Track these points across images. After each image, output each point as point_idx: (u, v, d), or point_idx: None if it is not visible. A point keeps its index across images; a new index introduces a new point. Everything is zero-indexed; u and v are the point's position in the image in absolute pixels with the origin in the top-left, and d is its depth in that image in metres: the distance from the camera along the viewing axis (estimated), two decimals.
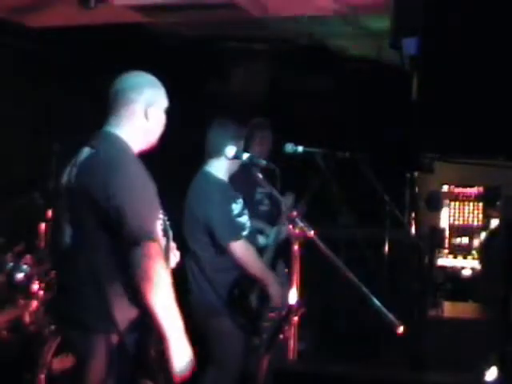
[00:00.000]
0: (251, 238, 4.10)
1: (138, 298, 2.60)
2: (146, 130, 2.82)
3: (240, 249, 3.89)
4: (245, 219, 4.10)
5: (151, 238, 2.60)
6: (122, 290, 2.64)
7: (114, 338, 2.63)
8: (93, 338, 2.65)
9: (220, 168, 4.03)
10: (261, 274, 3.96)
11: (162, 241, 2.77)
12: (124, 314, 2.65)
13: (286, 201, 4.48)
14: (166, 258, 2.77)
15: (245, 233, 4.04)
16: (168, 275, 2.65)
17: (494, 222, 6.71)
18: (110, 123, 2.81)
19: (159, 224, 2.75)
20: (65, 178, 2.80)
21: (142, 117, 2.80)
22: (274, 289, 3.97)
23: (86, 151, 2.77)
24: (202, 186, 4.00)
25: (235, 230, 3.95)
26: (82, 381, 2.73)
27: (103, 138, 2.78)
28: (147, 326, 2.66)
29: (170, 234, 2.88)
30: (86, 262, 2.66)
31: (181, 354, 2.63)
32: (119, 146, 2.75)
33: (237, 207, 4.05)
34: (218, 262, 3.93)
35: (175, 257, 2.95)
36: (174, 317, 2.63)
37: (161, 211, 2.80)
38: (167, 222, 2.87)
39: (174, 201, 3.70)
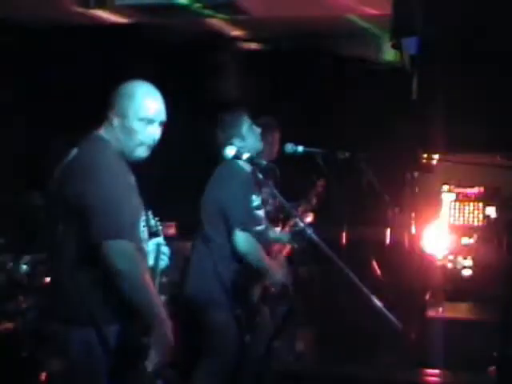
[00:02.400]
0: (264, 234, 4.12)
1: (115, 291, 2.67)
2: (120, 139, 2.89)
3: (244, 239, 3.89)
4: (262, 213, 4.12)
5: (119, 235, 2.67)
6: (99, 285, 2.72)
7: (93, 330, 2.71)
8: (71, 330, 2.74)
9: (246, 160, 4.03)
10: (260, 267, 3.95)
11: (144, 235, 2.87)
12: (102, 307, 2.73)
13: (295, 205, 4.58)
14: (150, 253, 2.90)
15: (260, 228, 4.05)
16: (142, 270, 2.72)
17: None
18: (102, 126, 2.93)
19: (141, 221, 2.86)
20: (52, 179, 2.91)
21: (114, 126, 2.88)
22: (273, 279, 3.97)
23: (72, 152, 2.87)
24: (226, 172, 4.01)
25: (249, 220, 3.96)
26: (63, 374, 2.83)
27: (87, 139, 2.90)
28: (129, 318, 2.73)
29: (160, 228, 2.96)
30: (63, 259, 2.78)
31: (163, 344, 2.69)
32: (98, 146, 2.85)
33: (257, 199, 4.06)
34: (228, 249, 3.93)
35: (164, 258, 2.99)
36: (153, 307, 2.69)
37: (141, 209, 2.88)
38: (151, 217, 2.94)
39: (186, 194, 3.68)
